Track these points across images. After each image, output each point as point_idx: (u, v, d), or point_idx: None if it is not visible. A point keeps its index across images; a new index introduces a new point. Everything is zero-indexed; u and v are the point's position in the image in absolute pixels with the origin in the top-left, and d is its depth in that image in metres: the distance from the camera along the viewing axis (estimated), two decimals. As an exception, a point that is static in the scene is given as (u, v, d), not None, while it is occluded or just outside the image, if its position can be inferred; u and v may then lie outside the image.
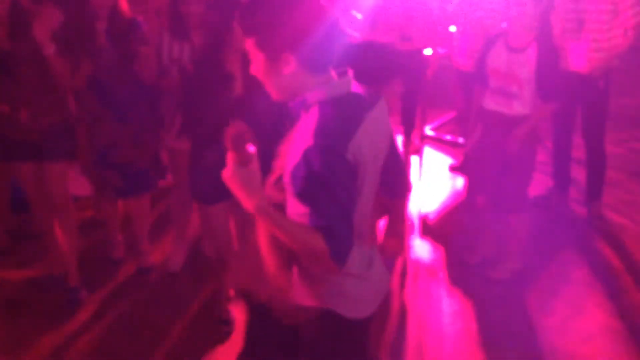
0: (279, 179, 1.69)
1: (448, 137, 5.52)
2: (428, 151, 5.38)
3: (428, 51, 5.36)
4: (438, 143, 5.54)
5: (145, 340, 3.12)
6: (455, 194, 4.63)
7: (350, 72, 1.66)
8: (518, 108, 3.25)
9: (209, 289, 3.50)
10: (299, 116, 1.64)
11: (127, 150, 3.26)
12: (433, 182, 4.86)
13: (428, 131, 5.61)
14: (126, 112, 3.22)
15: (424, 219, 4.34)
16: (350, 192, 1.56)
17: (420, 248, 3.99)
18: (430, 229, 4.25)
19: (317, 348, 1.87)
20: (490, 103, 3.36)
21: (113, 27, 3.11)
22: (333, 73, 1.63)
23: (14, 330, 3.17)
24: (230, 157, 1.53)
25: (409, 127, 5.15)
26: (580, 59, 3.97)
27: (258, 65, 1.60)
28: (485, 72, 3.35)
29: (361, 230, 1.71)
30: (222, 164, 1.57)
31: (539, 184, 4.63)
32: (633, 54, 4.24)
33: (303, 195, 1.52)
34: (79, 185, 3.73)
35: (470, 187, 3.68)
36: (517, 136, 3.24)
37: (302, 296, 1.80)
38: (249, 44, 1.58)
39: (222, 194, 1.95)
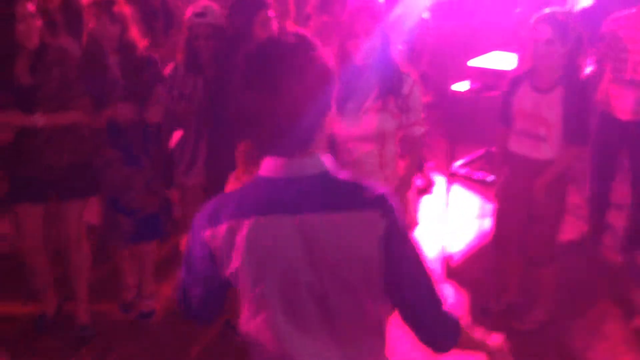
0: None
1: (477, 175, 5.33)
2: (456, 189, 5.18)
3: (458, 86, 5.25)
4: (466, 181, 5.34)
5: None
6: (483, 236, 4.41)
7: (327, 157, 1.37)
8: (545, 152, 3.06)
9: (214, 329, 3.39)
10: None
11: (139, 196, 3.20)
12: (459, 222, 4.66)
13: (456, 168, 5.42)
14: (138, 155, 3.16)
15: (447, 261, 4.14)
16: (193, 272, 1.45)
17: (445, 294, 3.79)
18: (454, 271, 4.04)
19: None
20: (517, 145, 3.18)
21: (126, 62, 3.06)
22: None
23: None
24: None
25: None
26: (629, 105, 3.76)
27: None
28: (511, 113, 3.18)
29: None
30: None
31: (573, 228, 4.40)
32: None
33: None
34: (93, 214, 3.66)
35: (497, 231, 3.48)
36: (542, 183, 3.05)
37: None
38: None
39: None
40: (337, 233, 1.31)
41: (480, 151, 5.65)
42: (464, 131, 5.44)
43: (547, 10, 3.08)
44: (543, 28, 2.97)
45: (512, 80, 3.23)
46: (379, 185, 1.38)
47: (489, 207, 4.32)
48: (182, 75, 3.16)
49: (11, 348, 3.23)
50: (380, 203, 1.34)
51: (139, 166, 3.18)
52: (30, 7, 2.85)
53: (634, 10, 3.69)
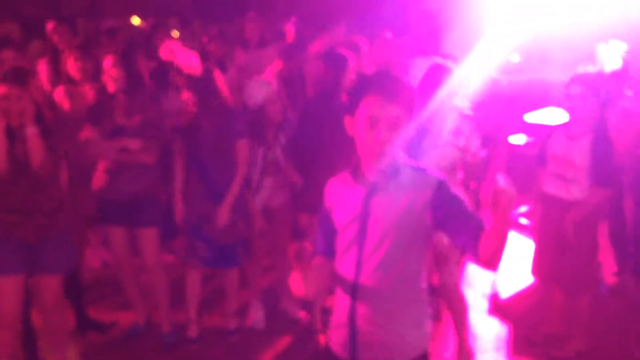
0: (388, 234, 1.97)
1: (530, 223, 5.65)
2: (510, 234, 5.51)
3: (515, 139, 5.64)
4: (521, 228, 5.66)
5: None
6: (531, 277, 4.71)
7: None
8: (576, 193, 3.44)
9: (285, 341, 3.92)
10: (381, 182, 1.98)
11: (217, 227, 3.68)
12: (510, 264, 4.97)
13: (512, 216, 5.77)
14: (220, 191, 3.68)
15: (494, 297, 4.48)
16: None
17: (488, 324, 4.14)
18: (500, 306, 4.38)
19: None
20: (550, 187, 3.58)
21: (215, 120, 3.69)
22: None
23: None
24: None
25: None
26: None
27: (399, 131, 1.92)
28: (546, 157, 3.60)
29: None
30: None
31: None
32: None
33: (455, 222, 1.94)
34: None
35: (535, 265, 3.81)
36: (570, 220, 3.42)
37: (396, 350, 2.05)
38: (400, 112, 1.90)
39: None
40: None
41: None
42: (521, 182, 5.78)
43: (580, 69, 3.53)
44: (576, 86, 3.42)
45: (549, 130, 3.69)
46: None
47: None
48: None
49: (111, 350, 3.87)
50: None
51: (219, 201, 3.67)
52: (110, 62, 3.61)
53: None
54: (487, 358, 3.75)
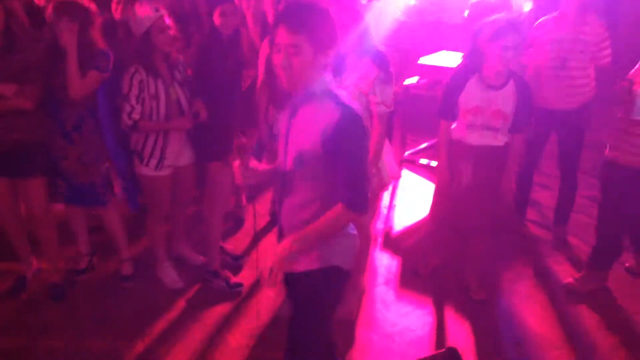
0: (299, 156, 2.14)
1: (424, 161, 5.91)
2: (405, 173, 5.75)
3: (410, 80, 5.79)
4: (415, 166, 5.91)
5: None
6: (420, 212, 4.97)
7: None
8: (501, 139, 3.52)
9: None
10: (299, 104, 2.17)
11: (72, 166, 3.67)
12: (403, 201, 5.20)
13: (407, 155, 6.00)
14: (71, 132, 3.62)
15: (386, 233, 4.69)
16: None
17: (379, 259, 4.35)
18: (392, 243, 4.60)
19: (318, 301, 2.31)
20: (477, 138, 3.54)
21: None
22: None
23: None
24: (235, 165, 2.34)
25: None
26: (561, 96, 4.31)
27: (300, 57, 2.04)
28: (456, 109, 3.56)
29: None
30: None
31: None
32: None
33: (337, 164, 2.07)
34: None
35: (438, 208, 3.92)
36: (510, 173, 3.59)
37: (300, 264, 2.24)
38: (298, 39, 2.02)
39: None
40: None
41: (430, 141, 6.21)
42: (415, 123, 6.00)
43: (502, 16, 3.47)
44: (511, 35, 3.31)
45: (456, 79, 3.58)
46: None
47: (431, 188, 4.88)
48: (146, 78, 3.51)
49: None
50: None
51: (71, 141, 3.64)
52: None
53: (554, 14, 4.29)
54: (377, 292, 3.95)
